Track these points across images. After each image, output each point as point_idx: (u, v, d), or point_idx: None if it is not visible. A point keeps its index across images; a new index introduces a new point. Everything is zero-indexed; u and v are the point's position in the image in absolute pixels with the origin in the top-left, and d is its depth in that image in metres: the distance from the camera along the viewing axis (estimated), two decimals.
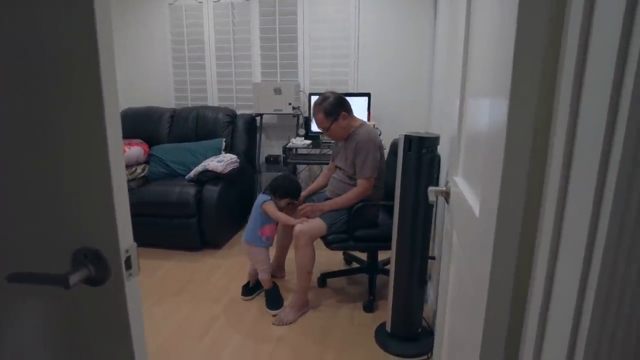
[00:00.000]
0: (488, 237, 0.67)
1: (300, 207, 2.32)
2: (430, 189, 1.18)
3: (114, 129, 0.65)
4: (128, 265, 0.67)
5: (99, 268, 0.66)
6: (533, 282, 0.59)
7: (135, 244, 0.69)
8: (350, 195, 2.24)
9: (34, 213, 0.68)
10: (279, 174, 3.39)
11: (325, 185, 2.56)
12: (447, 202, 1.19)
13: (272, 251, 2.66)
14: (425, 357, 1.88)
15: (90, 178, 0.65)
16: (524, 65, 0.59)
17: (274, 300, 2.31)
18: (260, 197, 2.35)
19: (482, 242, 0.72)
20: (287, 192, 2.36)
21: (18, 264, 0.69)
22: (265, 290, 2.36)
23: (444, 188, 1.18)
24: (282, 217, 2.28)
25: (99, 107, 0.63)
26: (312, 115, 2.38)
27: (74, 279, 0.62)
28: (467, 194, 0.91)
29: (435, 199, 1.21)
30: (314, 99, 3.18)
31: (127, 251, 0.67)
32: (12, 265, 0.68)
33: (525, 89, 0.59)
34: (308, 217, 2.25)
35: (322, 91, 2.45)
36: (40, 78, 0.64)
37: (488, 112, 0.75)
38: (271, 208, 2.30)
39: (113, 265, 0.66)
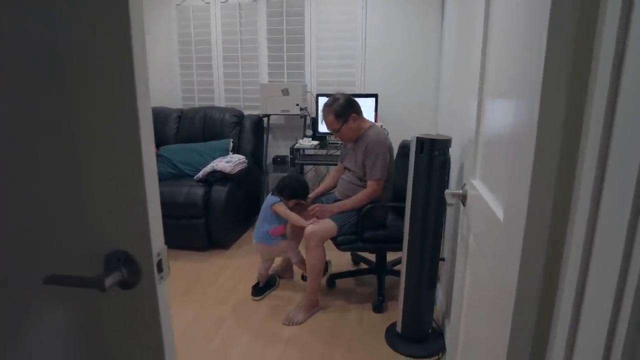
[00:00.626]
0: (515, 244, 0.67)
1: (310, 208, 2.33)
2: (447, 191, 1.19)
3: (146, 132, 0.66)
4: (160, 269, 0.68)
5: (131, 271, 0.67)
6: (562, 293, 0.60)
7: (166, 247, 0.70)
8: (359, 197, 2.25)
9: (68, 216, 0.69)
10: (286, 174, 3.41)
11: (333, 187, 2.57)
12: (464, 205, 1.20)
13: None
14: (436, 357, 1.89)
15: (124, 182, 0.66)
16: (555, 64, 0.59)
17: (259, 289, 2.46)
18: (270, 199, 2.37)
19: (507, 247, 0.72)
20: (295, 192, 2.38)
21: (52, 266, 0.70)
22: (252, 287, 2.46)
23: (460, 191, 1.19)
24: (294, 217, 2.30)
25: (133, 111, 0.64)
26: (322, 116, 2.39)
27: (108, 281, 0.63)
28: (488, 198, 0.92)
29: (452, 202, 1.21)
30: (321, 99, 3.20)
31: (158, 254, 0.68)
32: (46, 268, 0.69)
33: (556, 89, 0.59)
34: (318, 217, 2.26)
35: (329, 92, 2.47)
36: (74, 80, 0.65)
37: (513, 113, 0.75)
38: (282, 208, 2.32)
39: (145, 269, 0.67)
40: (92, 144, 0.66)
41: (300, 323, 2.18)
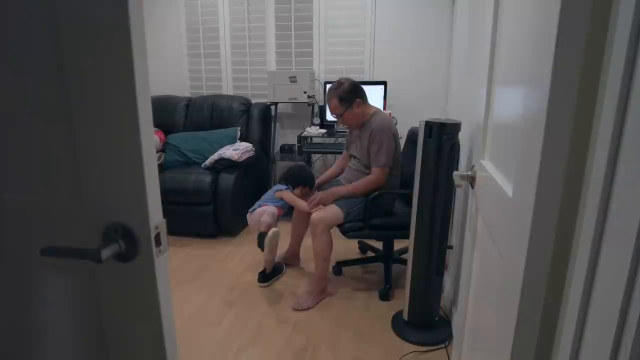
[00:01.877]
0: (524, 219, 0.65)
1: (311, 198, 2.29)
2: (456, 173, 1.16)
3: (144, 106, 0.64)
4: (158, 242, 0.67)
5: (129, 244, 0.66)
6: (571, 276, 0.57)
7: (164, 221, 0.69)
8: (364, 182, 2.22)
9: (66, 188, 0.68)
10: (293, 163, 3.40)
11: (337, 175, 2.55)
12: (472, 187, 1.17)
13: (287, 238, 2.68)
14: (443, 345, 1.87)
15: (122, 154, 0.64)
16: (567, 49, 0.56)
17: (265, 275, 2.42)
18: (275, 187, 2.38)
19: (516, 224, 0.70)
20: (300, 179, 2.39)
21: (50, 238, 0.69)
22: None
23: (469, 172, 1.16)
24: (300, 202, 2.30)
25: (131, 83, 0.62)
26: (326, 100, 2.37)
27: (105, 253, 0.62)
28: (497, 176, 0.89)
29: (460, 184, 1.19)
30: (329, 87, 3.16)
31: (156, 227, 0.67)
32: (44, 240, 0.68)
33: (568, 72, 0.57)
34: (324, 204, 2.24)
35: (347, 77, 2.43)
36: (72, 50, 0.63)
37: (525, 90, 0.73)
38: (288, 194, 2.33)
39: (143, 241, 0.66)
40: (89, 114, 0.64)
41: (310, 308, 2.18)
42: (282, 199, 2.39)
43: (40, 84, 0.66)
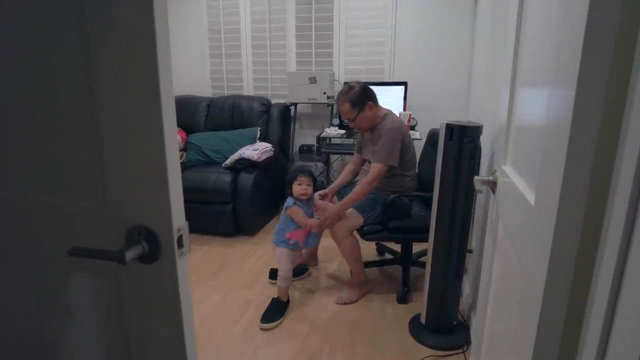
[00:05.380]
0: (546, 227, 0.64)
1: (317, 221, 2.21)
2: (476, 178, 1.15)
3: (168, 110, 0.66)
4: (180, 244, 0.69)
5: (152, 246, 0.68)
6: (596, 283, 0.56)
7: (187, 223, 0.70)
8: (362, 184, 2.18)
9: (92, 191, 0.70)
10: (312, 163, 3.41)
11: (349, 182, 2.53)
12: (493, 192, 1.15)
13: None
14: (461, 350, 1.85)
15: (146, 158, 0.66)
16: (595, 49, 0.55)
17: (271, 313, 2.12)
18: (286, 202, 2.26)
19: (538, 232, 0.68)
20: (295, 172, 2.24)
21: (75, 239, 0.72)
22: (272, 299, 2.19)
23: (490, 178, 1.14)
24: (310, 222, 2.20)
25: (155, 88, 0.64)
26: (336, 105, 2.34)
27: (129, 255, 0.64)
28: (519, 183, 0.88)
29: (481, 189, 1.17)
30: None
31: (179, 230, 0.68)
32: (70, 241, 0.71)
33: (595, 70, 0.55)
34: (333, 221, 2.19)
35: (357, 80, 2.42)
36: (99, 50, 0.65)
37: (549, 91, 0.71)
38: (297, 215, 2.20)
39: (166, 244, 0.68)
40: (114, 118, 0.66)
41: (353, 302, 2.26)
42: (293, 220, 2.21)
43: (66, 87, 0.68)
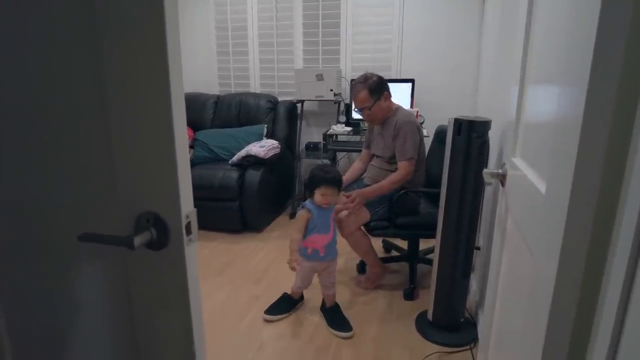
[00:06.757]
0: (557, 217, 0.63)
1: (343, 203, 2.14)
2: (486, 171, 1.14)
3: (177, 97, 0.66)
4: (188, 231, 0.69)
5: (160, 232, 0.68)
6: (608, 278, 0.55)
7: (195, 210, 0.70)
8: (392, 179, 2.19)
9: (101, 178, 0.71)
10: (318, 160, 3.40)
11: (356, 179, 2.52)
12: (503, 186, 1.14)
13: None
14: (468, 347, 1.84)
15: (155, 144, 0.66)
16: (607, 44, 0.54)
17: (277, 306, 2.11)
18: (305, 203, 2.03)
19: (549, 222, 0.68)
20: (320, 180, 1.91)
21: (85, 225, 0.72)
22: (283, 293, 2.15)
23: (499, 170, 1.13)
24: (294, 255, 1.90)
25: (164, 75, 0.64)
26: (352, 94, 2.32)
27: (137, 240, 0.65)
28: (529, 174, 0.87)
29: (491, 182, 1.16)
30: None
31: (187, 217, 0.68)
32: (80, 227, 0.71)
33: (607, 66, 0.54)
34: (353, 211, 2.16)
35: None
36: (108, 40, 0.65)
37: (561, 87, 0.70)
38: (297, 220, 1.98)
39: (174, 230, 0.68)
40: (124, 106, 0.67)
41: (368, 289, 2.36)
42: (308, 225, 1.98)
43: (78, 77, 0.69)
